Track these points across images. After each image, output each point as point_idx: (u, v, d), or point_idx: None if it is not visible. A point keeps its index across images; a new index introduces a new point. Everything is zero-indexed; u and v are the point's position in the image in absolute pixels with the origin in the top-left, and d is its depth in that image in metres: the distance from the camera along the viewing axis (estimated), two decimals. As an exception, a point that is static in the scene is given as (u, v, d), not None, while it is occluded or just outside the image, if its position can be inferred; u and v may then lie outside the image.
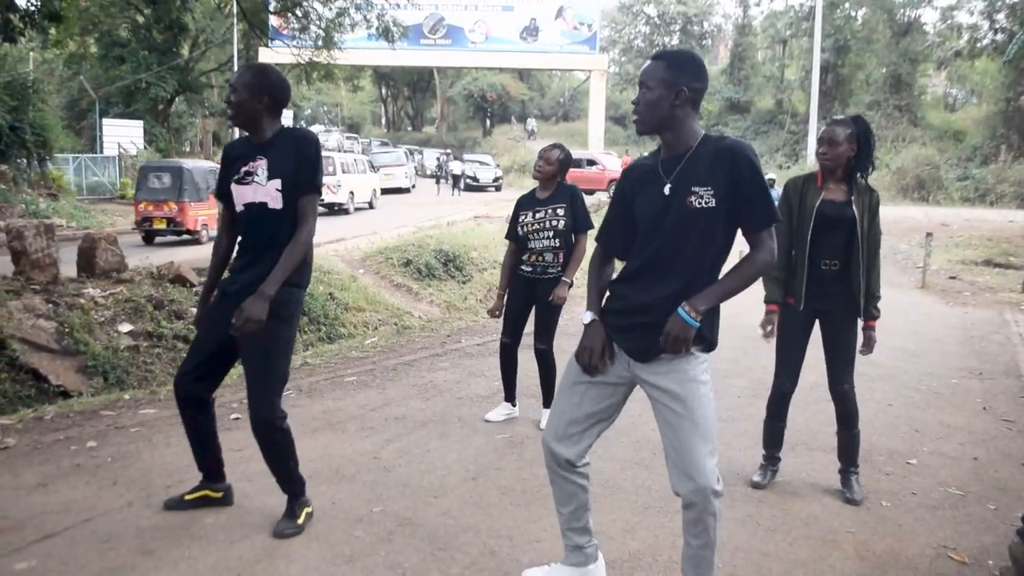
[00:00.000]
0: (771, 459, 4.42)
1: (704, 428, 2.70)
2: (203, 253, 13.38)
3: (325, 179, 14.10)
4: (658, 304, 2.74)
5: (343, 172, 25.38)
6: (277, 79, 3.58)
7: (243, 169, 3.52)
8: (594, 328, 2.88)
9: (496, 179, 36.09)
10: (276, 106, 3.55)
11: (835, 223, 4.01)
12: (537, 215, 5.23)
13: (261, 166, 3.49)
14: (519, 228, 5.30)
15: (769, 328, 4.19)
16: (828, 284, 4.06)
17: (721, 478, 2.73)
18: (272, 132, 3.55)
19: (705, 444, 2.69)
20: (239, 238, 3.66)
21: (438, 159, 39.10)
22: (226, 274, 3.72)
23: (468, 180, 35.53)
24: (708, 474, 2.67)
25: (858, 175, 4.09)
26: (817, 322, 4.19)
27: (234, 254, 3.70)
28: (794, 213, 4.11)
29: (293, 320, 3.56)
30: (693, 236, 2.73)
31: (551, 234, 5.20)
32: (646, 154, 3.00)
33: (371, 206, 26.94)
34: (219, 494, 3.90)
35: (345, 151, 35.17)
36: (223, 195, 3.65)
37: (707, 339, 2.77)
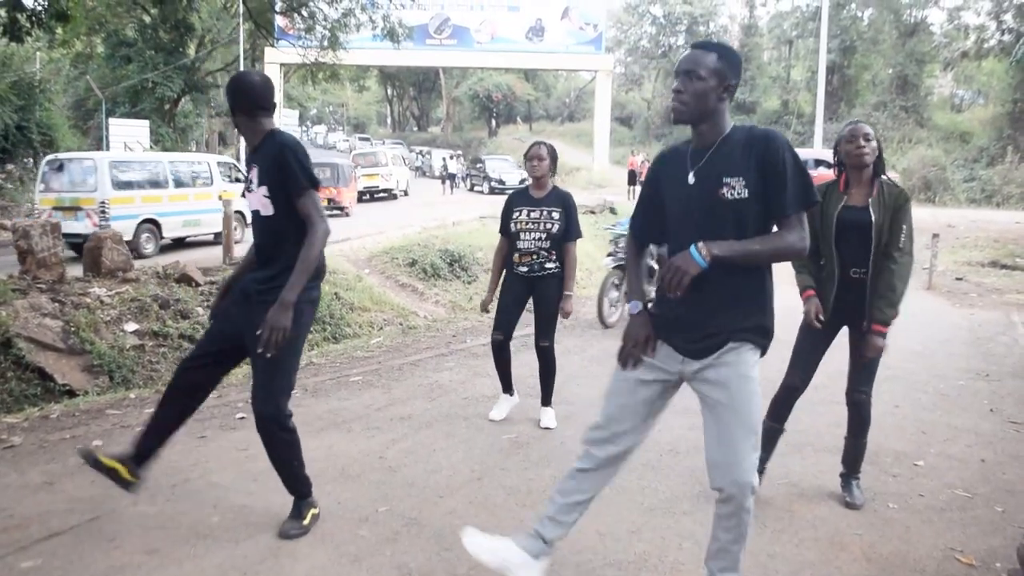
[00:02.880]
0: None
1: (749, 423, 2.72)
2: (217, 252, 13.42)
3: (380, 170, 18.89)
4: (713, 304, 2.74)
5: (393, 165, 31.75)
6: (249, 83, 3.52)
7: (248, 176, 3.57)
8: (641, 318, 2.87)
9: (522, 180, 35.61)
10: (259, 109, 3.51)
11: (854, 229, 3.93)
12: (532, 214, 5.24)
13: (254, 174, 3.52)
14: (512, 224, 5.30)
15: (815, 311, 3.99)
16: (857, 292, 3.97)
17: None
18: (261, 137, 3.53)
19: (748, 439, 2.72)
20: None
21: (443, 160, 39.07)
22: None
23: (494, 183, 34.51)
24: (749, 468, 2.71)
25: (879, 174, 3.99)
26: (845, 329, 4.13)
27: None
28: (817, 222, 4.01)
29: (303, 318, 3.47)
30: (727, 228, 2.68)
31: (543, 236, 5.20)
32: (680, 142, 2.93)
33: (406, 193, 32.61)
34: (133, 478, 3.61)
35: (359, 150, 37.66)
36: None
37: (766, 334, 2.79)
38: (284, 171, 3.41)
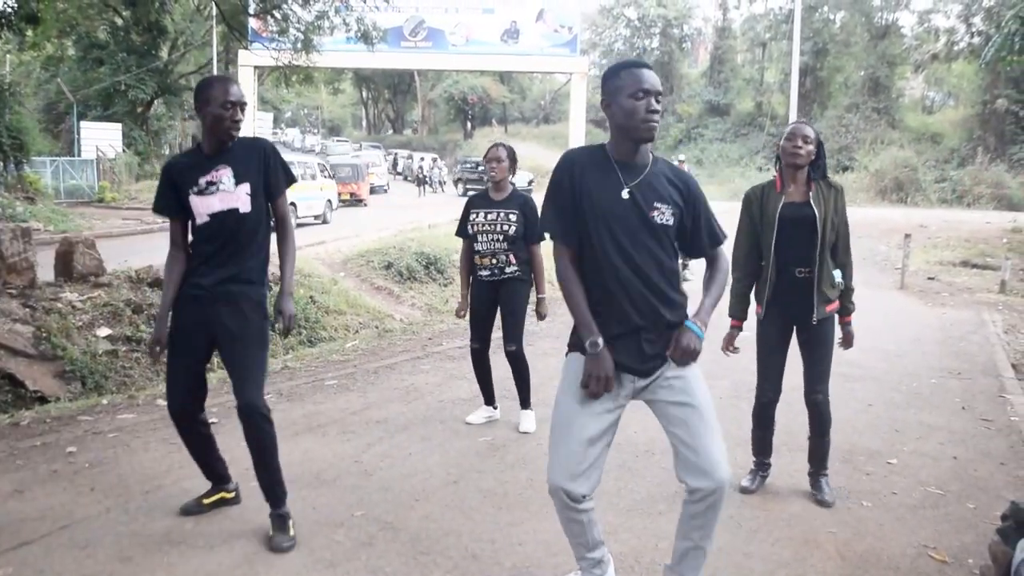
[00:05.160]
0: (761, 465, 4.43)
1: (713, 419, 2.81)
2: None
3: (374, 170, 20.97)
4: (655, 321, 2.81)
5: (382, 166, 39.24)
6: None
7: (202, 180, 3.52)
8: (603, 355, 2.75)
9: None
10: None
11: (798, 225, 3.99)
12: (488, 216, 5.24)
13: (226, 174, 3.53)
14: (469, 227, 5.31)
15: (731, 345, 4.19)
16: (802, 291, 4.04)
17: None
18: (234, 139, 3.60)
19: (717, 435, 2.80)
20: (196, 249, 3.63)
21: (420, 162, 39.10)
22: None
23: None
24: (724, 465, 2.78)
25: (816, 177, 4.07)
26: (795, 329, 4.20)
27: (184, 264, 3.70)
28: (756, 221, 4.10)
29: (265, 315, 3.67)
30: (654, 248, 2.79)
31: (500, 237, 5.21)
32: (589, 145, 2.98)
33: (388, 188, 38.28)
34: (231, 494, 3.97)
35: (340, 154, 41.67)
36: (173, 209, 3.61)
37: None
38: (273, 172, 3.62)
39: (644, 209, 2.76)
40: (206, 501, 3.90)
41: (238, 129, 3.55)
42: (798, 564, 3.51)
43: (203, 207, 3.52)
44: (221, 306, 3.53)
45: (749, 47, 49.08)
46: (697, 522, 2.83)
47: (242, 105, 3.53)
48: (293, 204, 19.45)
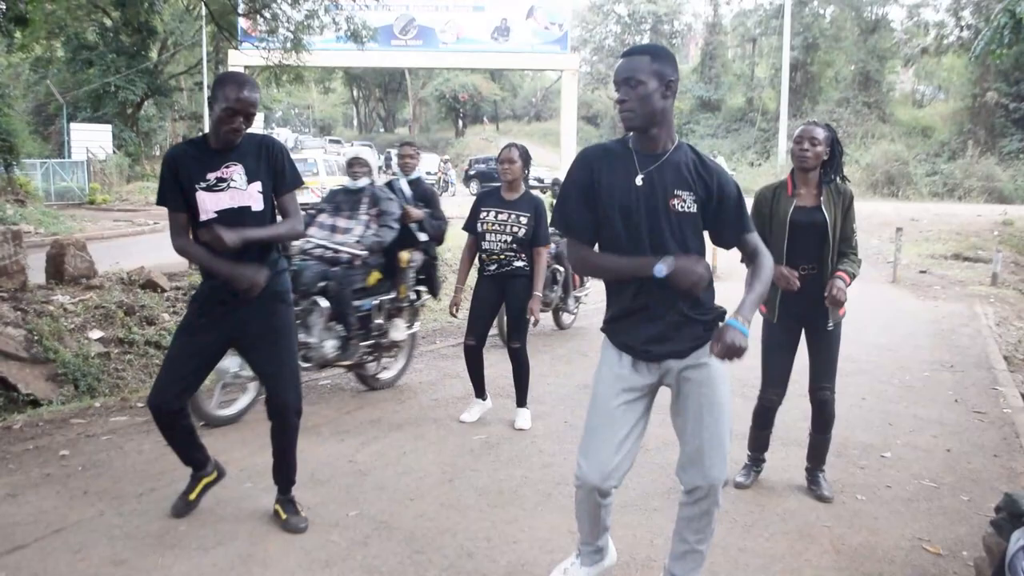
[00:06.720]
0: (756, 460, 4.43)
1: (729, 419, 2.79)
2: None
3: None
4: (670, 308, 2.74)
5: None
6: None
7: (212, 176, 3.44)
8: (678, 260, 2.66)
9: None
10: None
11: (808, 229, 3.99)
12: (499, 216, 5.22)
13: (237, 171, 3.46)
14: (479, 224, 5.29)
15: (789, 274, 3.92)
16: (809, 289, 4.01)
17: None
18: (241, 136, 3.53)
19: (728, 435, 2.78)
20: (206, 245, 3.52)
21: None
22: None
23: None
24: (721, 466, 2.76)
25: (829, 179, 4.04)
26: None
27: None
28: (766, 223, 4.07)
29: (291, 315, 3.72)
30: (672, 237, 2.71)
31: (509, 239, 5.19)
32: (610, 140, 2.94)
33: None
34: (213, 476, 3.93)
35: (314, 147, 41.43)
36: (179, 204, 3.48)
37: None
38: (283, 170, 3.56)
39: (661, 195, 2.70)
40: (191, 496, 3.85)
41: (236, 137, 3.42)
42: (793, 558, 3.52)
43: (211, 203, 3.44)
44: (241, 306, 3.49)
45: (739, 42, 49.13)
46: (693, 525, 2.83)
47: (247, 115, 3.37)
48: (336, 197, 23.75)
